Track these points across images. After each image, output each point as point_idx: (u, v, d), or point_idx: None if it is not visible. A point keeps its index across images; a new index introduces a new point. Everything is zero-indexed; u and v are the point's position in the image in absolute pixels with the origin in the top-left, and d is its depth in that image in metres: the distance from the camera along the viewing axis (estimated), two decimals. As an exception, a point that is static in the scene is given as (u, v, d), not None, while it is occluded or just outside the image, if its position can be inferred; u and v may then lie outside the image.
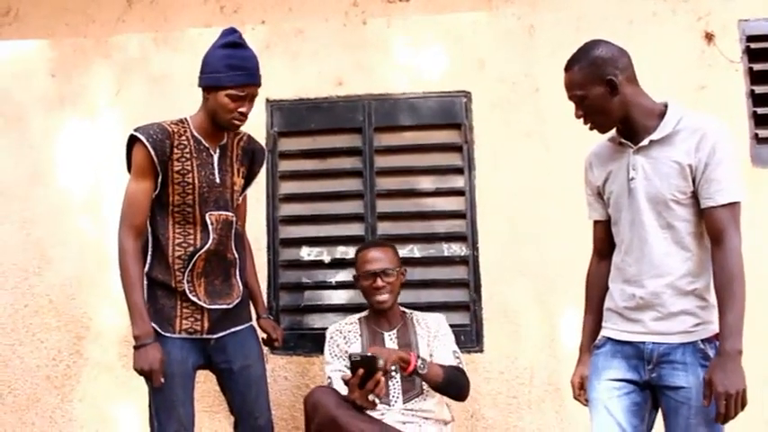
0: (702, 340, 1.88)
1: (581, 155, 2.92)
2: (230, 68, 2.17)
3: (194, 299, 2.24)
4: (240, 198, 2.45)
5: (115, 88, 3.19)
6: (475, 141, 3.02)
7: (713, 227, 1.83)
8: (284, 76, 3.11)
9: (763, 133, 2.93)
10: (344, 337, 2.53)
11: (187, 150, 2.25)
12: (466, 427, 2.88)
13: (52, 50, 3.23)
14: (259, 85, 2.24)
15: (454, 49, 3.08)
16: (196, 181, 2.25)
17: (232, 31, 2.27)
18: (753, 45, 2.97)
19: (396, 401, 2.40)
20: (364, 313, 2.63)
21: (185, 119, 2.31)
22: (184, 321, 2.25)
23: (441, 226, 3.01)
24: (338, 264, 3.02)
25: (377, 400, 2.25)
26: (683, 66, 3.00)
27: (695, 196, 1.86)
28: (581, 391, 2.13)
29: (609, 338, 2.02)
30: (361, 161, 3.04)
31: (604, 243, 2.12)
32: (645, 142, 1.92)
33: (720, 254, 1.82)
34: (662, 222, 1.91)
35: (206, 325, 2.27)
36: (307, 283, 3.02)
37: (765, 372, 2.77)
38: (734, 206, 1.82)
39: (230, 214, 2.33)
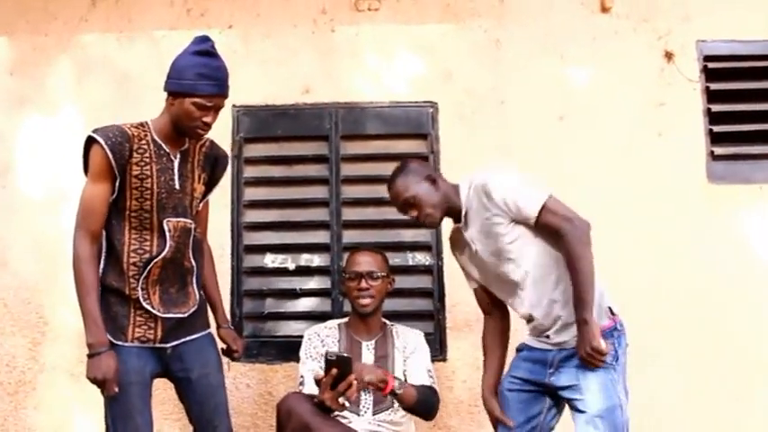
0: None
1: (546, 167, 3.01)
2: (200, 77, 2.13)
3: (148, 307, 2.18)
4: (201, 204, 2.39)
5: (76, 88, 3.13)
6: (440, 152, 3.05)
7: (550, 229, 2.12)
8: (251, 82, 3.09)
9: (718, 151, 3.04)
10: (322, 340, 2.53)
11: (147, 155, 2.19)
12: (428, 436, 2.90)
13: (11, 48, 3.15)
14: (226, 96, 2.20)
15: (422, 59, 3.11)
16: (155, 186, 2.19)
17: (205, 39, 2.22)
18: (710, 65, 3.07)
19: (365, 412, 2.40)
20: (344, 320, 2.63)
21: (146, 122, 2.24)
22: (137, 329, 2.19)
23: (406, 235, 3.03)
24: (303, 271, 3.02)
25: (347, 404, 2.24)
26: (644, 83, 3.09)
27: (515, 230, 2.14)
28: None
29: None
30: (328, 169, 3.04)
31: (490, 305, 2.39)
32: (462, 222, 2.25)
33: (562, 242, 2.09)
34: (508, 266, 2.18)
35: (159, 334, 2.21)
36: (270, 290, 3.01)
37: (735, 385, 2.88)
38: (547, 205, 2.10)
39: (189, 221, 2.27)
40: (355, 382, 2.17)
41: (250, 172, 3.06)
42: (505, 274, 2.19)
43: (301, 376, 2.48)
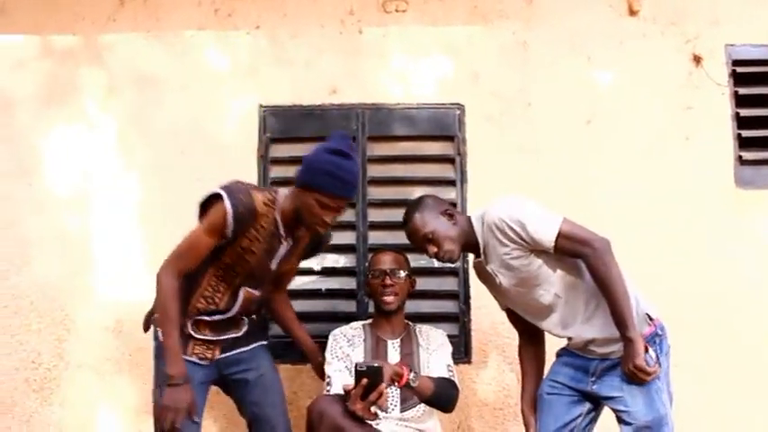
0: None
1: (572, 170, 3.01)
2: (328, 175, 2.14)
3: (202, 337, 2.32)
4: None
5: (103, 88, 3.14)
6: (467, 154, 3.04)
7: (572, 254, 2.13)
8: (278, 82, 3.10)
9: (746, 155, 3.02)
10: (348, 340, 2.53)
11: (262, 234, 2.26)
12: (452, 438, 2.90)
13: (39, 48, 3.17)
14: (352, 199, 2.26)
15: (449, 61, 3.11)
16: (254, 262, 2.28)
17: (344, 137, 2.26)
18: (739, 69, 3.05)
19: (393, 409, 2.40)
20: (369, 320, 2.64)
21: (276, 198, 2.28)
22: (196, 348, 2.32)
23: (431, 237, 3.02)
24: (328, 272, 3.02)
25: (378, 412, 2.25)
26: (671, 86, 3.08)
27: (538, 257, 2.14)
28: None
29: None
30: (354, 170, 3.04)
31: (518, 322, 2.42)
32: (482, 257, 2.25)
33: (587, 266, 2.11)
34: (539, 292, 2.19)
35: (217, 353, 2.35)
36: (296, 290, 3.00)
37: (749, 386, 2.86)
38: (563, 230, 2.08)
39: (260, 294, 2.39)
40: (386, 391, 2.18)
41: (276, 172, 3.06)
42: (535, 299, 2.20)
43: (328, 377, 2.48)
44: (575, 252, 2.08)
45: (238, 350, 2.42)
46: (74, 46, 3.16)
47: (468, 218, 2.29)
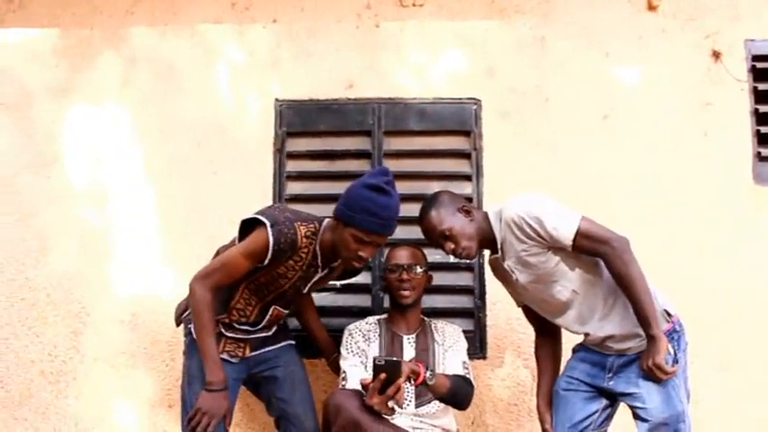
0: None
1: (589, 166, 2.99)
2: (364, 211, 2.15)
3: (233, 335, 2.40)
4: None
5: (121, 81, 3.14)
6: (484, 149, 3.03)
7: (591, 252, 2.12)
8: (295, 76, 3.10)
9: (765, 152, 2.99)
10: (364, 335, 2.54)
11: (299, 264, 2.30)
12: (467, 434, 2.89)
13: (57, 40, 3.18)
14: (388, 235, 2.24)
15: (466, 56, 3.09)
16: (287, 286, 2.34)
17: (384, 173, 2.26)
18: (758, 65, 3.03)
19: (408, 405, 2.40)
20: (383, 315, 2.64)
21: (319, 228, 2.31)
22: (228, 346, 2.38)
23: (447, 232, 3.01)
24: (343, 266, 3.01)
25: (396, 407, 2.24)
26: (690, 82, 3.05)
27: (556, 254, 2.13)
28: None
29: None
30: (370, 164, 3.03)
31: (538, 324, 2.42)
32: (499, 253, 2.24)
33: (606, 263, 2.10)
34: (555, 288, 2.18)
35: (248, 351, 2.42)
36: (311, 284, 3.01)
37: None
38: (582, 228, 2.07)
39: (287, 312, 2.47)
40: (404, 386, 2.18)
41: (292, 166, 3.06)
42: (552, 296, 2.19)
43: (344, 371, 2.48)
44: (593, 250, 2.07)
45: (267, 348, 2.49)
46: (91, 39, 3.17)
47: (485, 214, 2.28)
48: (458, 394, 2.40)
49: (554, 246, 2.10)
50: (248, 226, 2.26)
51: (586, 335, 2.23)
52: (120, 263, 3.02)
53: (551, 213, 2.09)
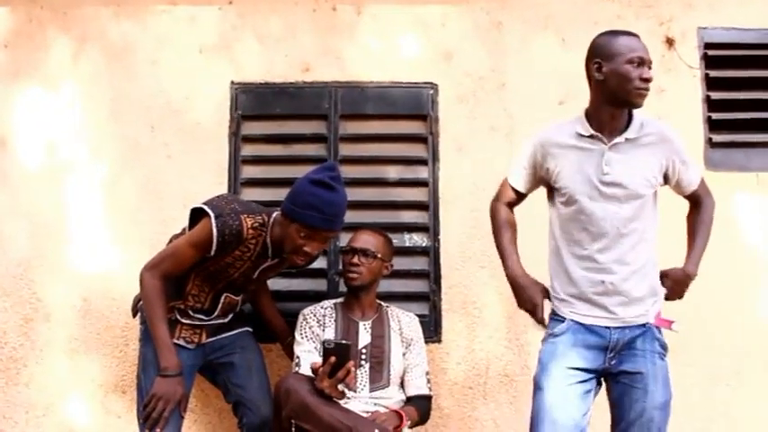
0: (658, 328, 2.07)
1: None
2: (309, 207, 2.15)
3: (189, 321, 2.39)
4: None
5: (72, 61, 3.08)
6: (440, 133, 3.03)
7: (696, 198, 2.27)
8: (250, 59, 3.07)
9: (716, 138, 3.04)
10: (318, 320, 2.54)
11: (247, 254, 2.29)
12: (422, 417, 2.90)
13: (6, 20, 3.09)
14: (333, 230, 2.24)
15: (423, 40, 3.08)
16: (237, 274, 2.34)
17: (330, 168, 2.27)
18: (710, 52, 3.06)
19: (362, 389, 2.41)
20: (339, 299, 2.64)
21: (268, 221, 2.30)
22: (183, 332, 2.38)
23: (403, 216, 3.02)
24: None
25: (346, 391, 2.24)
26: (644, 68, 3.07)
27: (655, 190, 2.13)
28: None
29: (573, 323, 2.09)
30: (326, 148, 3.01)
31: (513, 205, 2.32)
32: (620, 139, 2.05)
33: (703, 206, 2.27)
34: (634, 215, 2.06)
35: (204, 337, 2.42)
36: (266, 269, 2.99)
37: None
38: (702, 178, 2.25)
39: (239, 299, 2.47)
40: (353, 369, 2.18)
41: (248, 150, 3.03)
42: (620, 214, 2.04)
43: (297, 356, 2.48)
44: (703, 195, 2.25)
45: (224, 335, 2.49)
46: (41, 19, 3.09)
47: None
48: (423, 420, 2.50)
49: (675, 181, 2.19)
50: (197, 214, 2.27)
51: (602, 272, 2.05)
52: (72, 248, 2.97)
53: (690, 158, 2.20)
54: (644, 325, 2.07)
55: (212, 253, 2.22)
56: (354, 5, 3.09)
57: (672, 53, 3.08)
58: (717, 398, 2.92)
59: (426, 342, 2.84)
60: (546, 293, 2.18)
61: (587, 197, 2.07)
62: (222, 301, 2.41)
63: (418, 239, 3.00)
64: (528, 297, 2.14)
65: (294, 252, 2.22)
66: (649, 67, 2.04)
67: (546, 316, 2.16)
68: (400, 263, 2.92)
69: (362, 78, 3.05)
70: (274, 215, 2.33)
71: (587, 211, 2.08)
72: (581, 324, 2.07)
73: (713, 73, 3.06)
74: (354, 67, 3.06)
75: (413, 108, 3.04)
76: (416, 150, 3.03)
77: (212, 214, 2.19)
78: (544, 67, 3.06)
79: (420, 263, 2.99)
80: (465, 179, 3.00)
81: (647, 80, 2.02)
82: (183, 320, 2.38)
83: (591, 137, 2.09)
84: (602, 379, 2.11)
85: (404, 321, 2.61)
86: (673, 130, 2.18)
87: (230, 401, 2.52)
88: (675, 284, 2.16)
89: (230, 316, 2.50)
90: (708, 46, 3.08)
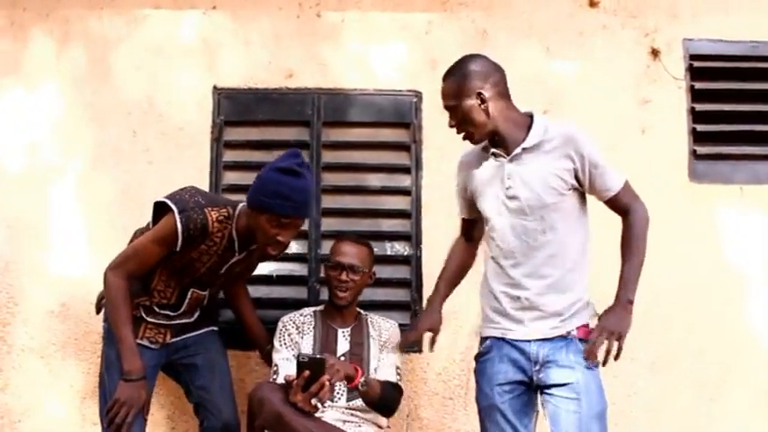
0: (580, 340, 2.01)
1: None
2: (276, 195, 2.12)
3: (153, 320, 2.35)
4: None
5: (55, 63, 3.06)
6: (423, 141, 3.02)
7: (620, 207, 2.10)
8: (234, 65, 3.05)
9: (701, 150, 3.03)
10: (297, 327, 2.52)
11: (213, 248, 2.26)
12: (402, 427, 2.88)
13: (-12, 21, 3.08)
14: (304, 217, 2.22)
15: (407, 48, 3.08)
16: (204, 269, 2.30)
17: (294, 155, 2.23)
18: (695, 63, 3.06)
19: (339, 398, 2.39)
20: (320, 307, 2.62)
21: (234, 215, 2.27)
22: (147, 331, 2.34)
23: (385, 224, 3.00)
24: (280, 258, 2.95)
25: (319, 405, 2.22)
26: (629, 79, 3.08)
27: (572, 197, 2.06)
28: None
29: (495, 340, 2.10)
30: (309, 155, 2.99)
31: (470, 234, 2.36)
32: (517, 150, 2.04)
33: (629, 221, 2.09)
34: (544, 226, 2.03)
35: (168, 337, 2.38)
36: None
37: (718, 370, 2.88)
38: (627, 184, 2.09)
39: (206, 294, 2.42)
40: (328, 384, 2.16)
41: (230, 156, 3.01)
42: (526, 228, 2.02)
43: (275, 365, 2.47)
44: (629, 205, 2.07)
45: (188, 335, 2.46)
46: (24, 20, 3.07)
47: (530, 114, 2.13)
48: (386, 403, 2.42)
49: (589, 187, 2.06)
50: (160, 208, 2.23)
51: (514, 287, 2.04)
52: (51, 253, 2.94)
53: (605, 162, 2.07)
54: (565, 337, 2.01)
55: (178, 248, 2.19)
56: (339, 12, 3.08)
57: (657, 64, 3.08)
58: (701, 410, 2.91)
59: (407, 352, 2.84)
60: (436, 325, 2.36)
61: (496, 213, 2.09)
62: (189, 296, 2.36)
63: (400, 248, 2.99)
64: (416, 320, 2.38)
65: (267, 243, 2.19)
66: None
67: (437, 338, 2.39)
68: (382, 271, 2.90)
69: (346, 85, 3.04)
70: (239, 207, 2.29)
71: (496, 228, 2.10)
72: (503, 340, 2.08)
73: (698, 85, 3.06)
74: (338, 73, 3.05)
75: (396, 116, 3.03)
76: (399, 158, 3.02)
77: (176, 209, 2.16)
78: (528, 76, 3.03)
79: (402, 271, 2.97)
80: (448, 188, 2.94)
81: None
82: (149, 318, 2.34)
83: (494, 154, 2.11)
84: (537, 393, 2.09)
85: (383, 327, 2.59)
86: (578, 130, 2.06)
87: (192, 402, 2.50)
88: (611, 316, 1.98)
89: (197, 314, 2.47)
90: (693, 57, 3.08)
